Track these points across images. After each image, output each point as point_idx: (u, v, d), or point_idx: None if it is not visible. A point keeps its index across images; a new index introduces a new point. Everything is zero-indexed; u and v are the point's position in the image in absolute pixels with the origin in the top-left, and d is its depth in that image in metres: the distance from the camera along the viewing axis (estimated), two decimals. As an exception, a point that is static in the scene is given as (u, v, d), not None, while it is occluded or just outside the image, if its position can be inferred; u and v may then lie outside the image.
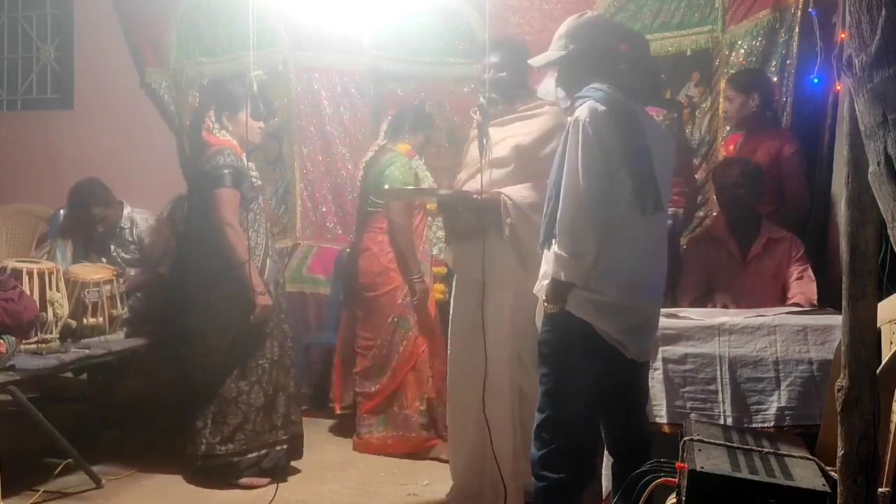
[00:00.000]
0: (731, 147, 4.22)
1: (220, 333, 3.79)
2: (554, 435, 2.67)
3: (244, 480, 3.78)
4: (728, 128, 4.35)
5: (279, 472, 3.86)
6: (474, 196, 3.27)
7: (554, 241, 2.62)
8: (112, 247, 4.47)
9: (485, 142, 3.19)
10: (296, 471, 3.96)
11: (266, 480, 3.79)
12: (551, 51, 2.77)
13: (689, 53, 4.43)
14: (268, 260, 3.89)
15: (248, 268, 3.65)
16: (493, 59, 3.33)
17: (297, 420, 3.96)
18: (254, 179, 3.90)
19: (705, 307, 3.57)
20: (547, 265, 2.70)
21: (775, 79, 4.20)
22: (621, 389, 2.73)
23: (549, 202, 2.67)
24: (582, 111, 2.58)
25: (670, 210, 3.60)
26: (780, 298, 3.62)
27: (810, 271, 3.65)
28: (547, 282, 2.67)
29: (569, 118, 2.67)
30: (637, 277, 2.67)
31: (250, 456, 3.80)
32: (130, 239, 4.46)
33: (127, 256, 4.47)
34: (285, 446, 3.89)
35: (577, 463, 2.69)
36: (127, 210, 4.50)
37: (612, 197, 2.58)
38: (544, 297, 2.68)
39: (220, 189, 3.72)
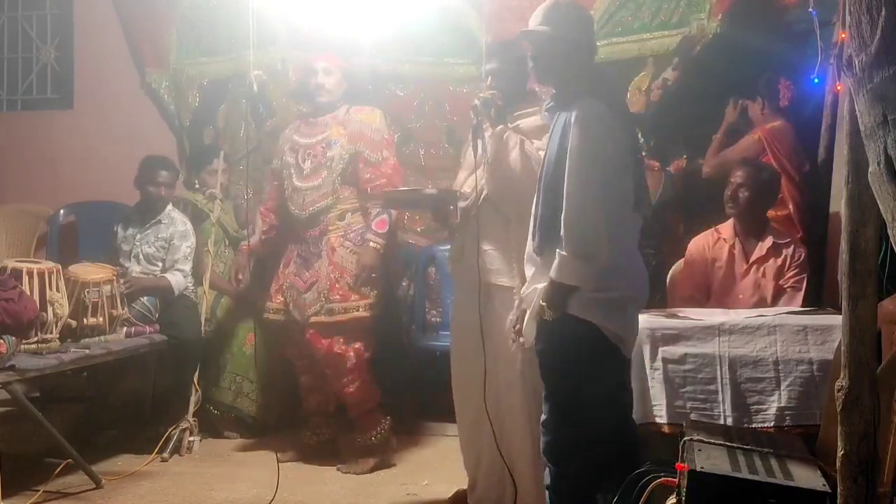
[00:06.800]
0: None
1: None
2: (571, 459, 2.59)
3: None
4: None
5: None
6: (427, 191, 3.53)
7: (549, 243, 2.54)
8: (138, 237, 4.46)
9: (479, 142, 3.09)
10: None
11: None
12: (539, 27, 2.63)
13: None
14: None
15: None
16: (492, 65, 3.24)
17: None
18: None
19: (705, 307, 3.57)
20: (535, 268, 2.63)
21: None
22: (618, 390, 2.69)
23: (543, 205, 2.58)
24: (587, 109, 2.50)
25: None
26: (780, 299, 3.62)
27: (803, 282, 3.64)
28: (540, 286, 2.56)
29: (559, 113, 2.59)
30: (632, 270, 2.67)
31: None
32: (163, 235, 4.46)
33: (149, 251, 4.46)
34: None
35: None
36: (168, 207, 4.52)
37: (620, 194, 2.55)
38: (542, 302, 2.54)
39: None
